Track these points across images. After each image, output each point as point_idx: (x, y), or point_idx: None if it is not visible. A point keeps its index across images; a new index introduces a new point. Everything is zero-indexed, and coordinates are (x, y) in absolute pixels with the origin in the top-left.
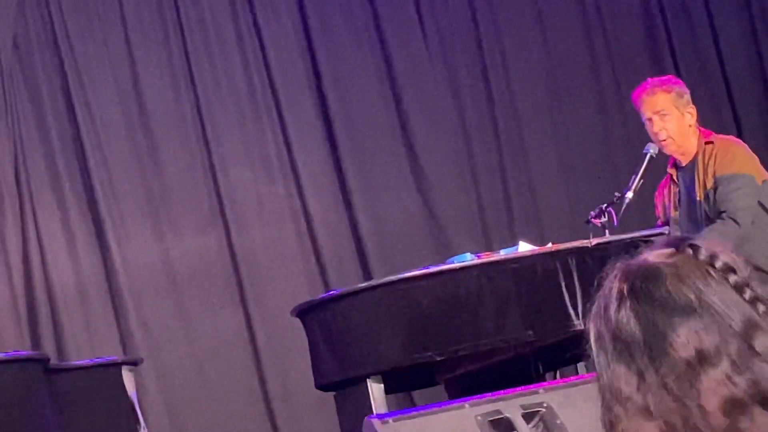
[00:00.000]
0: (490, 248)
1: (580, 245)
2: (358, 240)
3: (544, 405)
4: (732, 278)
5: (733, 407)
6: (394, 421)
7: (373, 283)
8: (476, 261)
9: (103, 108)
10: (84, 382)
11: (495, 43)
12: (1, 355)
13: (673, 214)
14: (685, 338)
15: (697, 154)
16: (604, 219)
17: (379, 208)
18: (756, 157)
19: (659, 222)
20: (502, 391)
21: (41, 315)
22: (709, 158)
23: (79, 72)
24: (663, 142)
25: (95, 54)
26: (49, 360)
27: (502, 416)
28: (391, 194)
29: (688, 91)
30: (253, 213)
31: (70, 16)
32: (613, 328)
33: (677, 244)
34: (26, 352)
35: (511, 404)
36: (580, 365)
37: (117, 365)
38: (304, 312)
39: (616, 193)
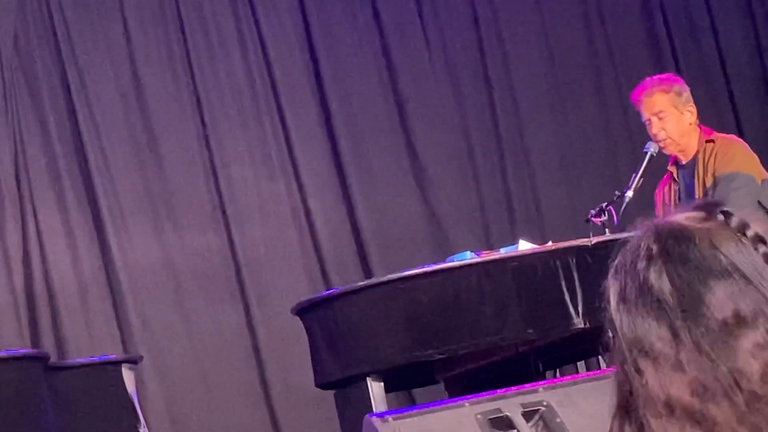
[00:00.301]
0: (490, 247)
1: (581, 244)
2: (358, 238)
3: (544, 403)
4: (762, 249)
5: None
6: (393, 419)
7: (372, 281)
8: (476, 259)
9: (103, 106)
10: (84, 381)
11: (496, 41)
12: (0, 353)
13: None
14: (722, 299)
15: (697, 152)
16: (604, 218)
17: (380, 206)
18: (756, 156)
19: None
20: (502, 390)
21: (41, 313)
22: (710, 157)
23: (80, 70)
24: (662, 143)
25: (96, 52)
26: (49, 358)
27: (502, 415)
28: (391, 193)
29: (687, 89)
30: (254, 211)
31: (71, 13)
32: (642, 284)
33: (709, 209)
34: (26, 350)
35: (511, 403)
36: (580, 364)
37: (117, 363)
38: (303, 310)
39: (617, 192)
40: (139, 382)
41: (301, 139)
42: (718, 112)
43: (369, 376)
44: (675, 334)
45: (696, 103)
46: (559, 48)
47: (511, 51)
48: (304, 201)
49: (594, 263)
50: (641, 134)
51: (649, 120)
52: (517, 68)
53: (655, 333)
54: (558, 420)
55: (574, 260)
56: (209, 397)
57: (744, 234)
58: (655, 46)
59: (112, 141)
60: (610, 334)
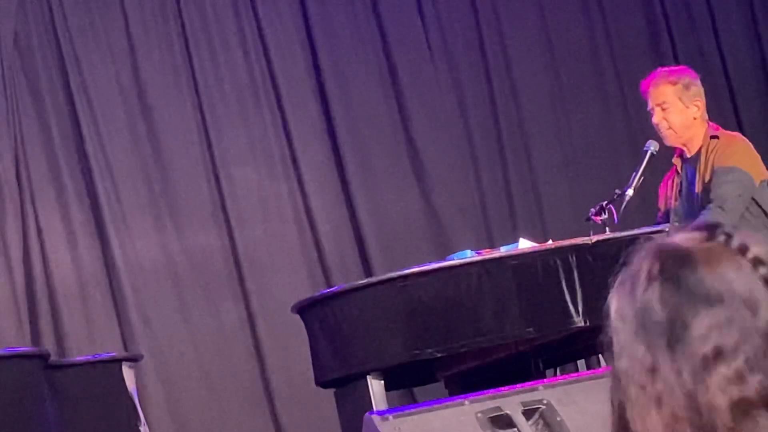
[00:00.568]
0: (492, 245)
1: (581, 242)
2: (359, 237)
3: (544, 402)
4: (762, 270)
5: (740, 407)
6: (394, 417)
7: (372, 279)
8: (476, 258)
9: (104, 104)
10: (84, 379)
11: (497, 38)
12: (1, 351)
13: (674, 205)
14: (706, 331)
15: (701, 147)
16: (604, 216)
17: (381, 204)
18: (758, 156)
19: (659, 213)
20: (502, 388)
21: (42, 311)
22: (711, 152)
23: (80, 68)
24: (663, 134)
25: (96, 50)
26: (49, 356)
27: (502, 413)
28: (392, 191)
29: (697, 84)
30: (255, 209)
31: (71, 11)
32: (637, 308)
33: (710, 230)
34: (26, 348)
35: (511, 401)
36: (580, 362)
37: (117, 362)
38: (304, 309)
39: (617, 191)
40: (139, 380)
41: (302, 137)
42: (717, 107)
43: (369, 374)
44: (657, 362)
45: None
46: (560, 44)
47: (512, 49)
48: (304, 199)
49: (594, 262)
50: (643, 131)
51: (652, 109)
52: (518, 66)
53: (641, 360)
54: (558, 418)
55: (575, 259)
56: (210, 395)
57: (744, 255)
58: (656, 42)
59: (112, 139)
60: (612, 351)
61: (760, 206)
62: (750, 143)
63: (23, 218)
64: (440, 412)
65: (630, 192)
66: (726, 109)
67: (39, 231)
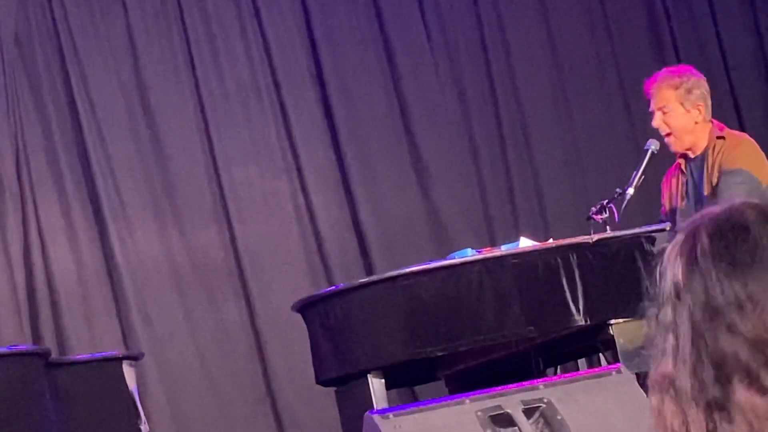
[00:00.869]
0: (493, 244)
1: (582, 241)
2: (360, 235)
3: (545, 400)
4: None
5: None
6: (394, 416)
7: (373, 278)
8: (477, 256)
9: (105, 102)
10: (85, 377)
11: (498, 36)
12: (1, 349)
13: (680, 204)
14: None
15: (707, 147)
16: (605, 215)
17: (382, 203)
18: (765, 157)
19: (663, 209)
20: (503, 387)
21: (42, 309)
22: (718, 153)
23: (81, 66)
24: (666, 139)
25: (97, 48)
26: (49, 354)
27: (502, 411)
28: (393, 189)
29: (702, 86)
30: (256, 208)
31: (72, 9)
32: (749, 241)
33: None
34: (27, 346)
35: (511, 399)
36: (581, 361)
37: (118, 360)
38: (304, 307)
39: (617, 189)
40: (140, 379)
41: (303, 135)
42: (718, 103)
43: (370, 372)
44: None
45: None
46: (562, 43)
47: (514, 47)
48: (306, 198)
49: (595, 261)
50: (645, 130)
51: (654, 112)
52: (519, 64)
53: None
54: (558, 417)
55: (575, 258)
56: (211, 394)
57: None
58: (658, 41)
59: (113, 137)
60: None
61: None
62: (756, 144)
63: (24, 216)
64: (441, 411)
65: (631, 191)
66: (727, 107)
67: (39, 229)
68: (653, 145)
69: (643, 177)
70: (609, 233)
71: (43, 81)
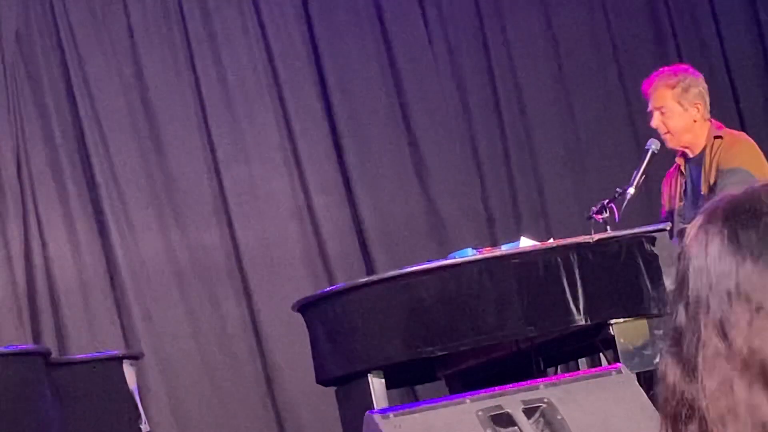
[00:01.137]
0: (495, 243)
1: (582, 241)
2: (361, 234)
3: (545, 400)
4: None
5: None
6: (395, 415)
7: (374, 278)
8: (478, 256)
9: (105, 100)
10: (85, 377)
11: (500, 35)
12: (2, 348)
13: (678, 205)
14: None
15: (705, 147)
16: (605, 215)
17: (383, 202)
18: (763, 157)
19: (663, 210)
20: (503, 387)
21: (42, 308)
22: (716, 153)
23: (82, 64)
24: (663, 137)
25: (98, 46)
26: (50, 354)
27: (502, 411)
28: (394, 189)
29: (699, 84)
30: (257, 207)
31: (73, 7)
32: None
33: None
34: (27, 345)
35: (512, 399)
36: (581, 361)
37: (118, 359)
38: (305, 307)
39: (618, 189)
40: (141, 378)
41: (304, 134)
42: (719, 102)
43: (370, 372)
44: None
45: None
46: (563, 41)
47: (515, 45)
48: (307, 197)
49: (596, 260)
50: (646, 128)
51: (652, 112)
52: (521, 62)
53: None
54: (559, 417)
55: (576, 257)
56: (212, 393)
57: None
58: (660, 40)
59: (114, 135)
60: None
61: None
62: (754, 143)
63: (24, 215)
64: (441, 411)
65: (631, 190)
66: (728, 105)
67: (40, 228)
68: (654, 145)
69: (643, 177)
70: (609, 233)
71: (44, 79)
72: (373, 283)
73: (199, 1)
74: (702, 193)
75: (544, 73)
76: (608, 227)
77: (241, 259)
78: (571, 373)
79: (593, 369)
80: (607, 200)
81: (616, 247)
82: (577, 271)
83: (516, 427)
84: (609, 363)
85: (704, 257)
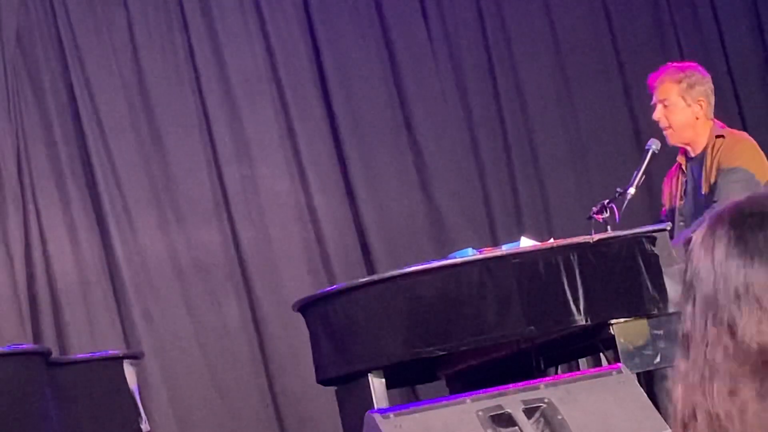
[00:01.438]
0: (496, 243)
1: (583, 241)
2: (361, 234)
3: (545, 400)
4: None
5: None
6: (395, 415)
7: (374, 277)
8: (478, 256)
9: (106, 99)
10: (85, 376)
11: (501, 34)
12: (2, 348)
13: (679, 204)
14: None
15: (707, 146)
16: (605, 215)
17: (384, 202)
18: (764, 157)
19: (664, 209)
20: (504, 387)
21: (43, 308)
22: (717, 152)
23: (82, 64)
24: (664, 132)
25: (98, 45)
26: (50, 353)
27: (503, 411)
28: (395, 188)
29: (704, 82)
30: (258, 206)
31: (73, 7)
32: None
33: None
34: (27, 345)
35: (512, 399)
36: (582, 361)
37: (118, 359)
38: (305, 306)
39: (618, 189)
40: (142, 378)
41: (305, 134)
42: (720, 101)
43: (370, 372)
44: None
45: None
46: (565, 40)
47: (517, 44)
48: (307, 197)
49: (596, 260)
50: (648, 128)
51: (655, 105)
52: (522, 62)
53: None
54: (559, 417)
55: (576, 257)
56: (213, 393)
57: None
58: (662, 39)
59: (114, 135)
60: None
61: None
62: (756, 143)
63: (25, 214)
64: (441, 411)
65: (632, 190)
66: (729, 106)
67: (40, 227)
68: (654, 145)
69: (644, 177)
70: (610, 233)
71: (44, 79)
72: (374, 283)
73: (200, 1)
74: (703, 192)
75: (545, 73)
76: (609, 227)
77: (242, 258)
78: (572, 373)
79: (593, 369)
80: (607, 200)
81: (616, 247)
82: (577, 271)
83: (516, 427)
84: (609, 363)
85: (711, 260)
